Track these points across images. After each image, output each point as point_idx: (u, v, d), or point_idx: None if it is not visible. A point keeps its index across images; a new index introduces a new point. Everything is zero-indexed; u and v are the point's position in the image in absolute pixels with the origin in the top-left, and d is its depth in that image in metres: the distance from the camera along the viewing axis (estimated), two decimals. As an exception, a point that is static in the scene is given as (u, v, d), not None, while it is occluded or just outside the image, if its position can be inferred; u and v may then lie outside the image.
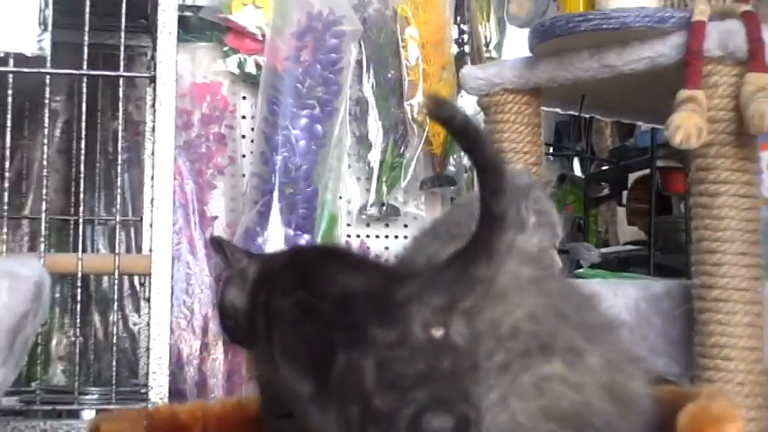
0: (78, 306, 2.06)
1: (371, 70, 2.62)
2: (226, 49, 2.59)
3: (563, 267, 1.49)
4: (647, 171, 3.32)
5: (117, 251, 2.04)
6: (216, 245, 1.24)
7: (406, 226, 2.66)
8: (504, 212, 1.03)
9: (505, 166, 1.04)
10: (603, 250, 3.14)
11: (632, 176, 3.79)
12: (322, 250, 1.34)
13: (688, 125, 1.42)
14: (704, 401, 1.06)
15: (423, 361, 1.02)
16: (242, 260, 1.24)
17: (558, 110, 1.91)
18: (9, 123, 1.91)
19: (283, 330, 1.15)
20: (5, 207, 1.97)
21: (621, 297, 1.60)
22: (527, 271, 1.18)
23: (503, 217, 1.03)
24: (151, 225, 1.87)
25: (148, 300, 1.84)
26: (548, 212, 1.37)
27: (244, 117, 2.60)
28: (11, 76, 1.84)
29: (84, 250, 2.00)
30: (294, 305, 1.14)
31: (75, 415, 1.81)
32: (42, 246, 1.90)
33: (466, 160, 2.71)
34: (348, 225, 2.63)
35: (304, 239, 2.41)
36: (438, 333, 1.04)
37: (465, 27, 2.80)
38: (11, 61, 1.83)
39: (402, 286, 1.06)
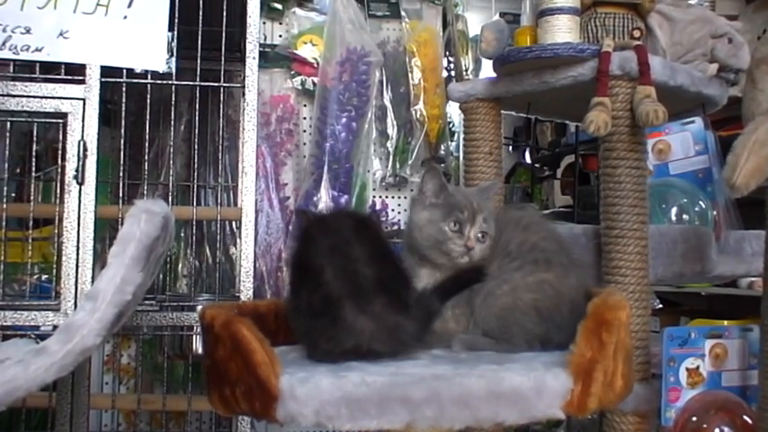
0: (194, 240, 2.08)
1: (389, 87, 2.62)
2: (293, 72, 2.59)
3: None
4: (572, 157, 3.30)
5: (218, 204, 2.05)
6: (300, 213, 1.19)
7: (411, 190, 2.66)
8: None
9: None
10: (545, 212, 3.13)
11: (564, 161, 3.77)
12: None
13: (598, 120, 1.41)
14: (605, 296, 1.06)
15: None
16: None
17: (513, 113, 1.88)
18: (148, 120, 1.91)
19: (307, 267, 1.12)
20: (146, 175, 1.98)
21: (553, 236, 1.60)
22: (529, 217, 1.26)
23: None
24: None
25: (240, 237, 1.85)
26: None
27: (305, 118, 2.60)
28: (149, 86, 1.86)
29: (198, 204, 2.01)
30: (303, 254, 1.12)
31: (192, 310, 1.83)
32: (170, 200, 1.91)
33: (452, 147, 2.71)
34: (373, 189, 2.63)
35: (343, 199, 2.42)
36: None
37: (451, 59, 2.79)
38: (149, 76, 1.84)
39: (357, 303, 1.04)
